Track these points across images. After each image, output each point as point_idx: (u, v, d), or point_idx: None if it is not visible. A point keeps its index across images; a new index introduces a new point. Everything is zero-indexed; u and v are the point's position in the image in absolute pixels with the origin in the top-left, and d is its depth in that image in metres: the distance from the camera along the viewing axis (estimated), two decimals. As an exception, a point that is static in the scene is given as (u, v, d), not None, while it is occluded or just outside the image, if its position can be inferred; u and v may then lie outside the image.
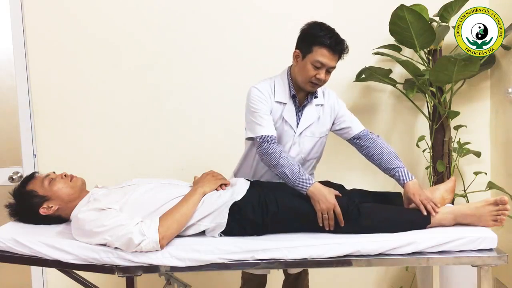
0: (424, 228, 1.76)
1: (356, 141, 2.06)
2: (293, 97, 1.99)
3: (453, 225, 1.78)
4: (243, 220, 1.74)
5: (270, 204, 1.76)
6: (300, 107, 2.01)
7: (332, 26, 1.92)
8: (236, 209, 1.74)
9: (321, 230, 1.76)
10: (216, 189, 1.85)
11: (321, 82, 1.91)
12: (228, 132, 2.67)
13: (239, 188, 1.82)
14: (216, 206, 1.75)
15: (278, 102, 1.97)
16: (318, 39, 1.85)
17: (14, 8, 2.65)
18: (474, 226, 1.75)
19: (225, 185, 1.88)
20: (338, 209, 1.72)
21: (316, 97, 2.02)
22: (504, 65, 2.57)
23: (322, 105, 2.04)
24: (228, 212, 1.73)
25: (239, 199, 1.76)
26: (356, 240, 1.65)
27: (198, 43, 2.71)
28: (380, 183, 2.72)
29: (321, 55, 1.85)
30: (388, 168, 1.95)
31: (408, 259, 1.66)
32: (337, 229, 1.75)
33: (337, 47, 1.86)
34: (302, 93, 2.00)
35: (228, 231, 1.74)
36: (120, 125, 2.75)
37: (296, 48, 1.94)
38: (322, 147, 2.10)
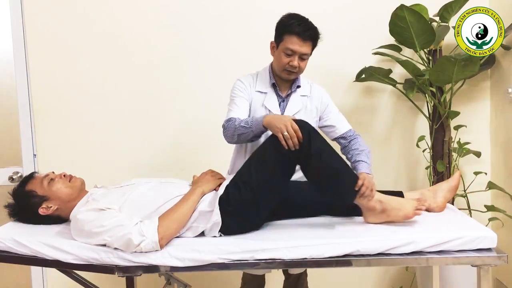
0: (353, 196, 1.75)
1: (341, 141, 2.08)
2: (273, 86, 2.03)
3: (380, 211, 1.79)
4: (236, 206, 1.73)
5: (248, 174, 1.76)
6: (283, 97, 2.05)
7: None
8: (224, 203, 1.74)
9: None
10: (215, 189, 1.85)
11: (296, 69, 1.95)
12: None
13: (222, 185, 1.83)
14: (208, 209, 1.75)
15: (258, 91, 2.03)
16: (288, 28, 1.91)
17: (14, 8, 2.65)
18: (397, 216, 1.78)
19: None
20: (295, 125, 1.69)
21: (299, 86, 2.05)
22: (504, 65, 2.57)
23: (308, 96, 2.07)
24: (219, 208, 1.72)
25: (222, 192, 1.77)
26: (355, 239, 1.65)
27: (203, 44, 2.71)
28: (381, 182, 2.72)
29: (291, 42, 1.90)
30: (355, 161, 1.98)
31: (408, 259, 1.66)
32: (295, 151, 1.70)
33: (306, 33, 1.90)
34: (284, 84, 2.04)
35: (227, 229, 1.74)
36: (120, 125, 2.75)
37: (273, 40, 2.00)
38: None
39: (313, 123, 2.06)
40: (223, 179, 1.91)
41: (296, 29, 1.89)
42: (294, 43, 1.90)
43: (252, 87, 2.04)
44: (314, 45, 1.96)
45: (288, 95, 2.05)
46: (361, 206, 1.81)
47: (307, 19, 1.94)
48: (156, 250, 1.61)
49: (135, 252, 1.60)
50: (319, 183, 1.77)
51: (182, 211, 1.70)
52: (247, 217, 1.76)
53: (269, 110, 2.00)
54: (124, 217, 1.65)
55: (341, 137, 2.06)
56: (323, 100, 2.08)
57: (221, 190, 1.78)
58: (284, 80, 2.02)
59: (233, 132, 1.88)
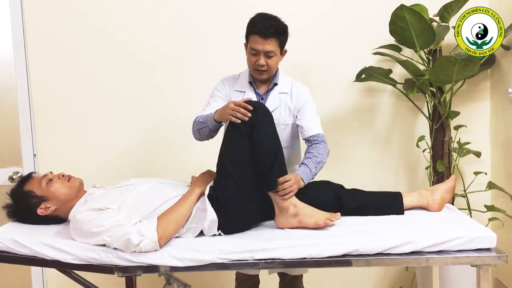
0: (273, 186, 1.77)
1: (306, 143, 2.06)
2: (250, 84, 2.07)
3: (292, 214, 1.79)
4: (225, 200, 1.75)
5: (221, 164, 1.80)
6: (261, 94, 2.07)
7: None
8: (214, 200, 1.75)
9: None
10: None
11: (264, 67, 1.97)
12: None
13: (208, 186, 1.84)
14: (202, 207, 1.75)
15: (238, 91, 2.07)
16: (251, 28, 1.95)
17: (14, 8, 2.66)
18: (308, 222, 1.79)
19: None
20: (237, 101, 1.76)
21: (276, 84, 2.07)
22: (504, 65, 2.57)
23: (288, 93, 2.07)
24: (211, 205, 1.73)
25: (208, 191, 1.79)
26: (355, 239, 1.65)
27: (203, 44, 2.71)
28: (381, 182, 2.73)
29: (254, 42, 1.94)
30: (302, 162, 1.97)
31: (407, 259, 1.66)
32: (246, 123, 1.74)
33: (268, 30, 1.91)
34: (261, 82, 2.07)
35: (225, 226, 1.74)
36: (120, 125, 2.75)
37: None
38: (292, 138, 2.11)
39: (291, 120, 2.08)
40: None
41: (257, 28, 1.92)
42: (257, 42, 1.92)
43: (231, 88, 2.09)
44: (281, 42, 1.96)
45: (267, 93, 2.07)
46: (275, 204, 1.81)
47: (272, 17, 1.95)
48: (156, 250, 1.61)
49: (135, 252, 1.60)
50: (255, 155, 1.76)
51: (180, 211, 1.70)
52: (240, 208, 1.76)
53: None
54: (123, 217, 1.65)
55: (307, 139, 2.03)
56: (301, 99, 2.07)
57: (207, 190, 1.79)
58: (260, 80, 2.05)
59: (195, 128, 1.98)
